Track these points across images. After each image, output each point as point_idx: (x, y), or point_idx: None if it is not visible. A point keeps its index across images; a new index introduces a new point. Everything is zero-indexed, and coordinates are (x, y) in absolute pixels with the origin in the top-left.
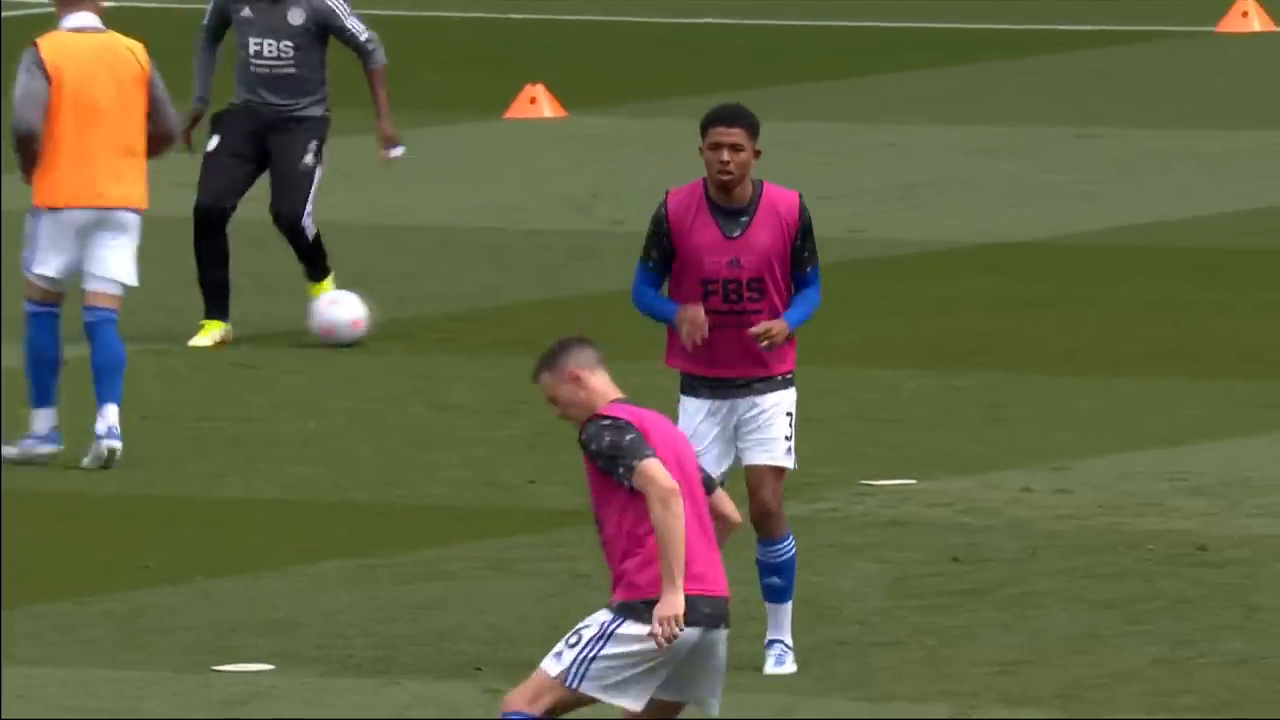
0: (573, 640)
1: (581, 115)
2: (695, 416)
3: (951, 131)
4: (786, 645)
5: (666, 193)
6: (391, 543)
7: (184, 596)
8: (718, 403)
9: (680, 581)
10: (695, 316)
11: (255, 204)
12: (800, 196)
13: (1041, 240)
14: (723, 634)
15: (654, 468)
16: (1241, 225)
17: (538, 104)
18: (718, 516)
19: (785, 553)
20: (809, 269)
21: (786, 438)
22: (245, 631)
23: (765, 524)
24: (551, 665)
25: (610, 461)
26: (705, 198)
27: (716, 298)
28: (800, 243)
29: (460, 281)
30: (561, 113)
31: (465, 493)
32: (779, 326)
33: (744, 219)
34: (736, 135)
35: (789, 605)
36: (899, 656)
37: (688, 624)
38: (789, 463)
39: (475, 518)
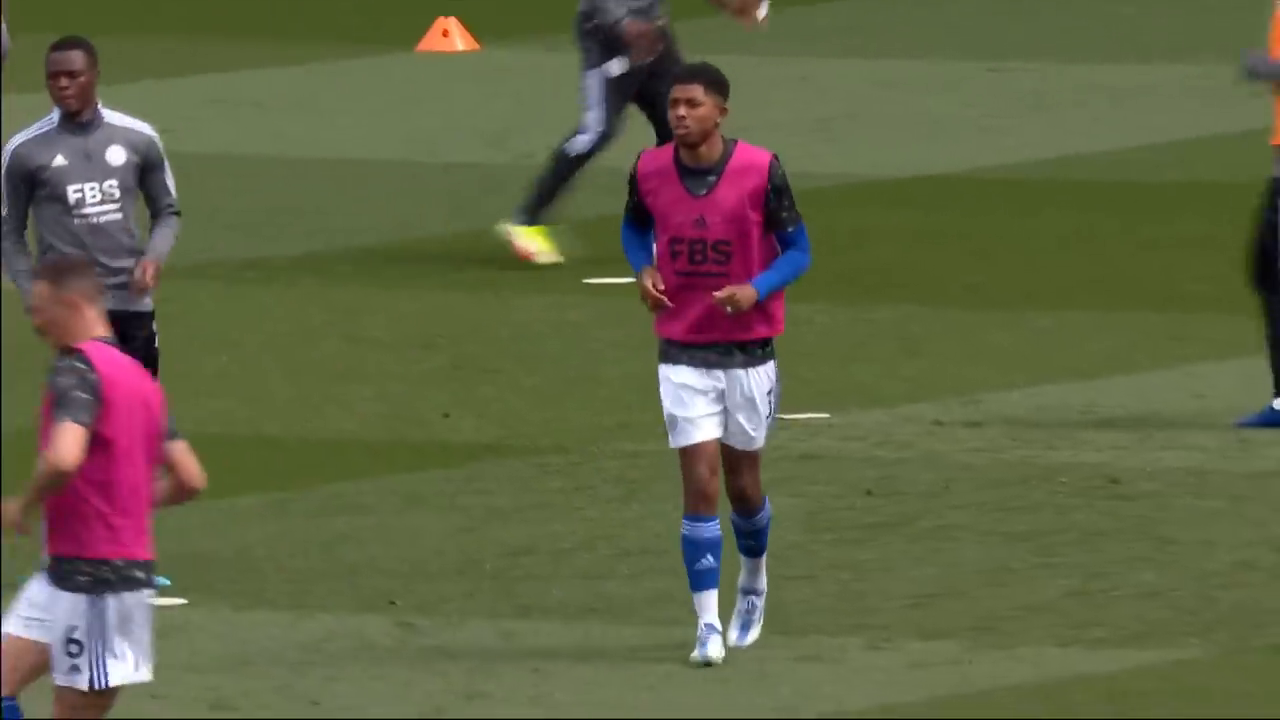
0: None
1: (494, 48)
2: (680, 387)
3: (864, 65)
4: (757, 595)
5: (640, 152)
6: (305, 476)
7: None
8: (702, 373)
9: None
10: (644, 285)
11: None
12: (774, 157)
13: (954, 174)
14: (147, 594)
15: (70, 437)
16: (1154, 159)
17: (450, 37)
18: (176, 471)
19: (763, 520)
20: (790, 229)
21: (767, 416)
22: (159, 566)
23: (744, 504)
24: (77, 680)
25: (56, 404)
26: (675, 157)
27: (683, 258)
28: (775, 203)
29: (374, 214)
30: (474, 45)
31: (380, 426)
32: (743, 293)
33: (711, 178)
34: (693, 90)
35: (764, 557)
36: (813, 590)
37: (120, 590)
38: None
39: (390, 451)
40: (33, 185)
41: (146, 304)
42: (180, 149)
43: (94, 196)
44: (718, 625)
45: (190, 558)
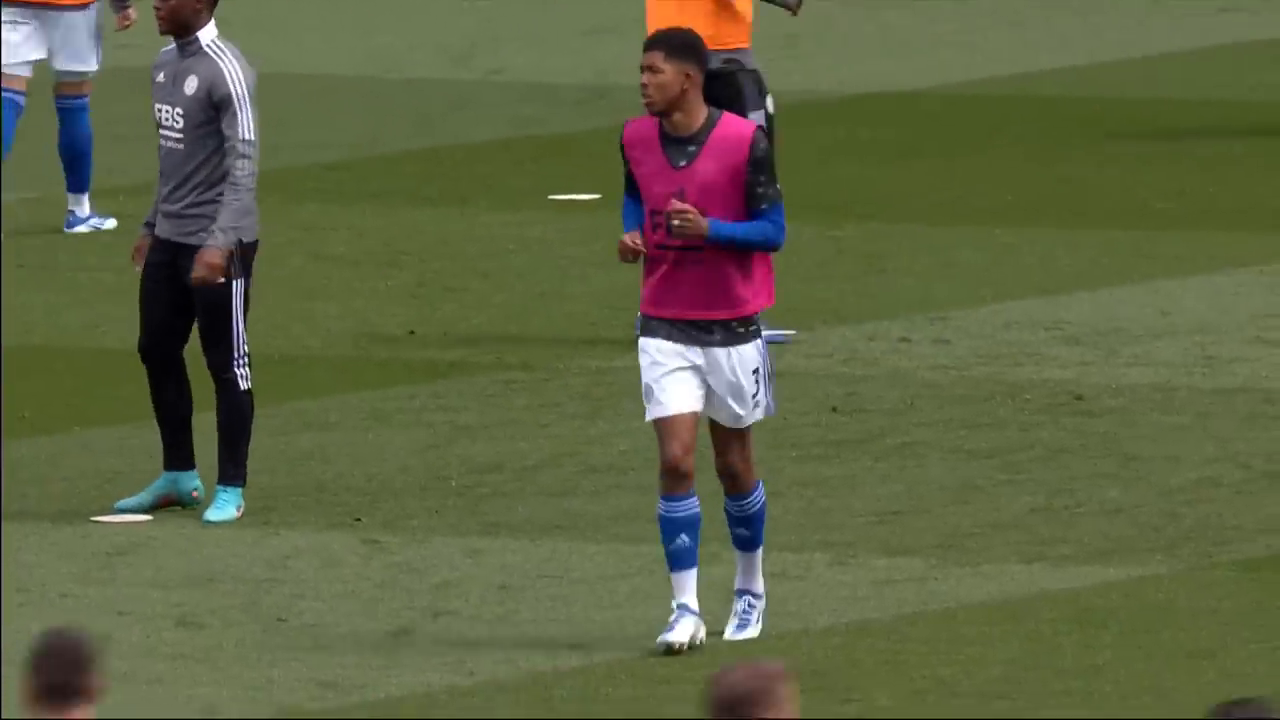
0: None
1: None
2: (658, 358)
3: None
4: (755, 596)
5: (626, 121)
6: (271, 393)
7: (61, 446)
8: (680, 348)
9: None
10: (622, 246)
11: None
12: (757, 129)
13: (922, 90)
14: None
15: None
16: (1120, 75)
17: None
18: None
19: (754, 505)
20: (764, 205)
21: (754, 395)
22: (123, 482)
23: (733, 483)
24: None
25: None
26: (659, 126)
27: (662, 230)
28: (751, 177)
29: (338, 130)
30: None
31: (345, 343)
32: (697, 220)
33: (692, 149)
34: (654, 58)
35: (759, 553)
36: (779, 507)
37: None
38: (758, 416)
39: (355, 368)
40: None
41: (201, 238)
42: (140, 64)
43: (167, 120)
44: (693, 606)
45: (156, 474)
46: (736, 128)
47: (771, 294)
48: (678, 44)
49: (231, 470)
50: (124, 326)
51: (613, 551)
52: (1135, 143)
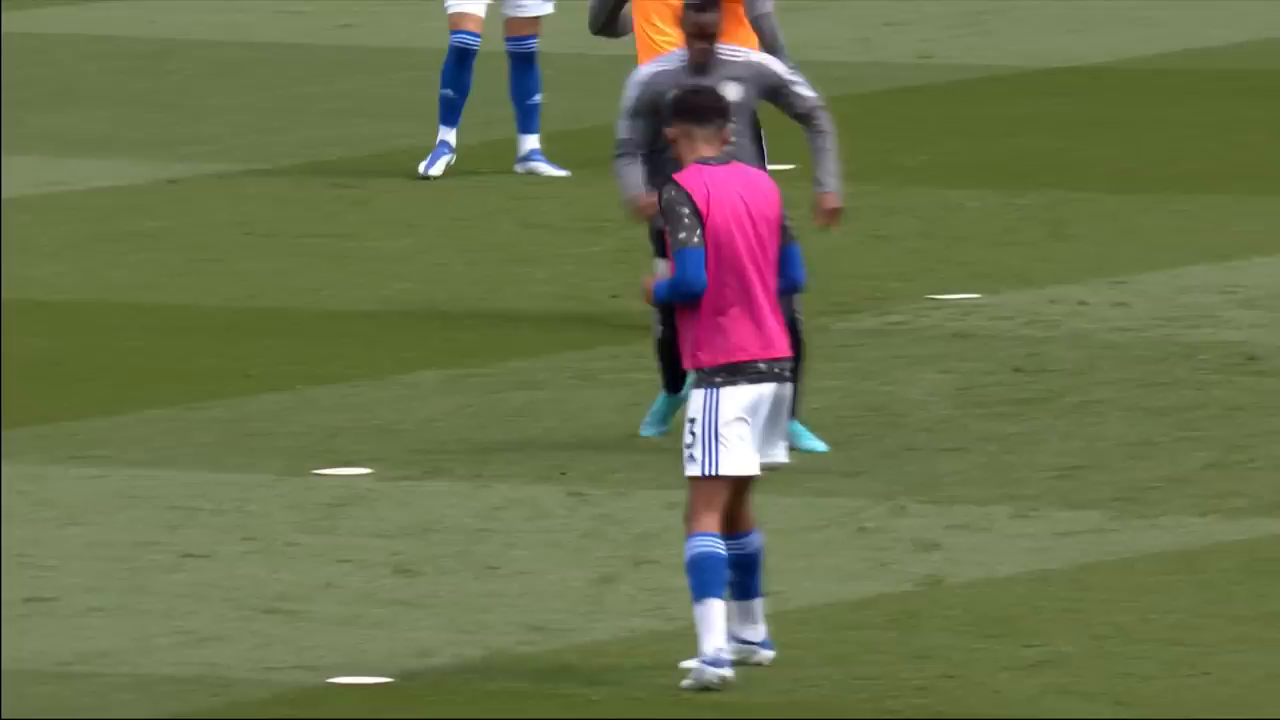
0: (688, 443)
1: None
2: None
3: None
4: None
5: None
6: (483, 354)
7: (287, 403)
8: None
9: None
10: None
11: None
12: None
13: (1103, 64)
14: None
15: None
16: None
17: None
18: None
19: (687, 552)
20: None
21: (687, 445)
22: (345, 437)
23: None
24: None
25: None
26: None
27: None
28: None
29: (549, 104)
30: None
31: (553, 306)
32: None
33: None
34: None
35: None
36: (964, 461)
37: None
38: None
39: (562, 330)
40: (657, 116)
41: None
42: (363, 43)
43: None
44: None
45: (375, 430)
46: None
47: (692, 358)
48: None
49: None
50: (345, 290)
51: (806, 504)
52: None
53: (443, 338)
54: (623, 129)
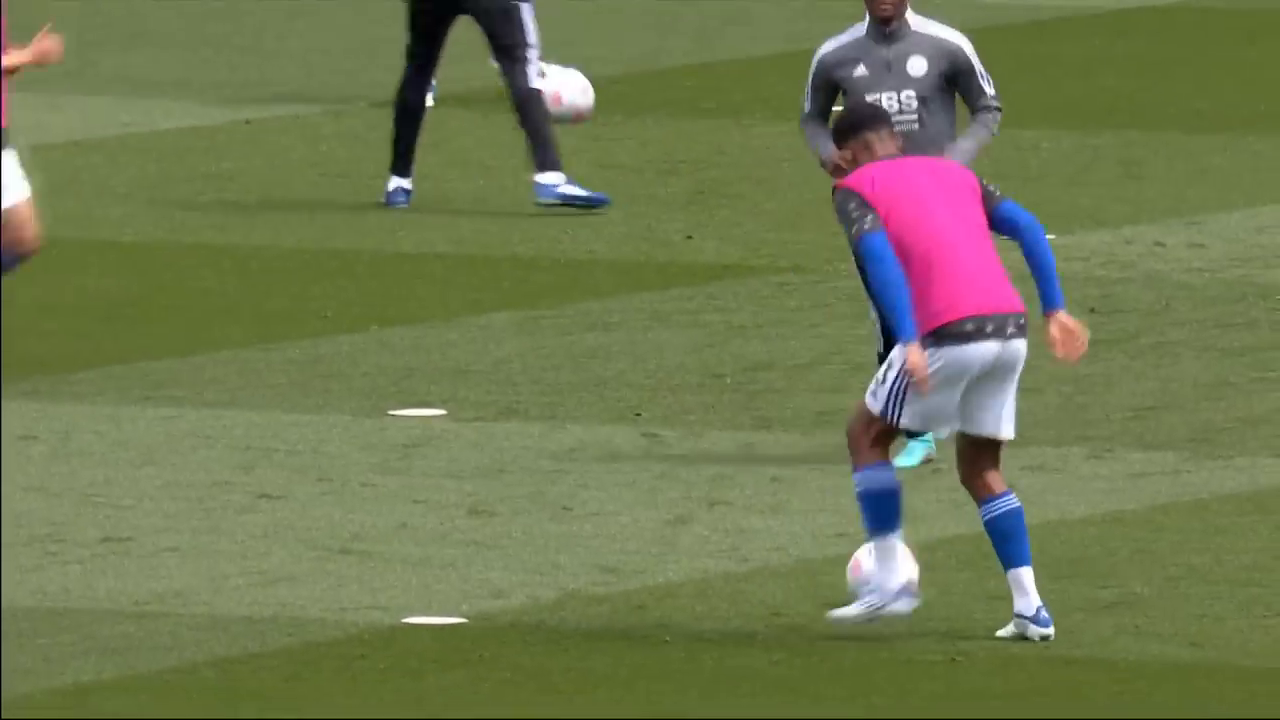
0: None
1: None
2: None
3: None
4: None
5: None
6: (556, 295)
7: (361, 345)
8: None
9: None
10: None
11: None
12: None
13: (1176, 5)
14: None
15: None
16: None
17: None
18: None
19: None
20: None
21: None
22: (419, 378)
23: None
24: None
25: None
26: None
27: None
28: None
29: (623, 46)
30: None
31: (626, 247)
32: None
33: None
34: None
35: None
36: (1038, 402)
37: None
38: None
39: (636, 271)
40: (835, 91)
41: None
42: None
43: (892, 106)
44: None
45: (449, 371)
46: None
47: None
48: None
49: None
50: (418, 231)
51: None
52: None
53: (515, 279)
54: (806, 101)
